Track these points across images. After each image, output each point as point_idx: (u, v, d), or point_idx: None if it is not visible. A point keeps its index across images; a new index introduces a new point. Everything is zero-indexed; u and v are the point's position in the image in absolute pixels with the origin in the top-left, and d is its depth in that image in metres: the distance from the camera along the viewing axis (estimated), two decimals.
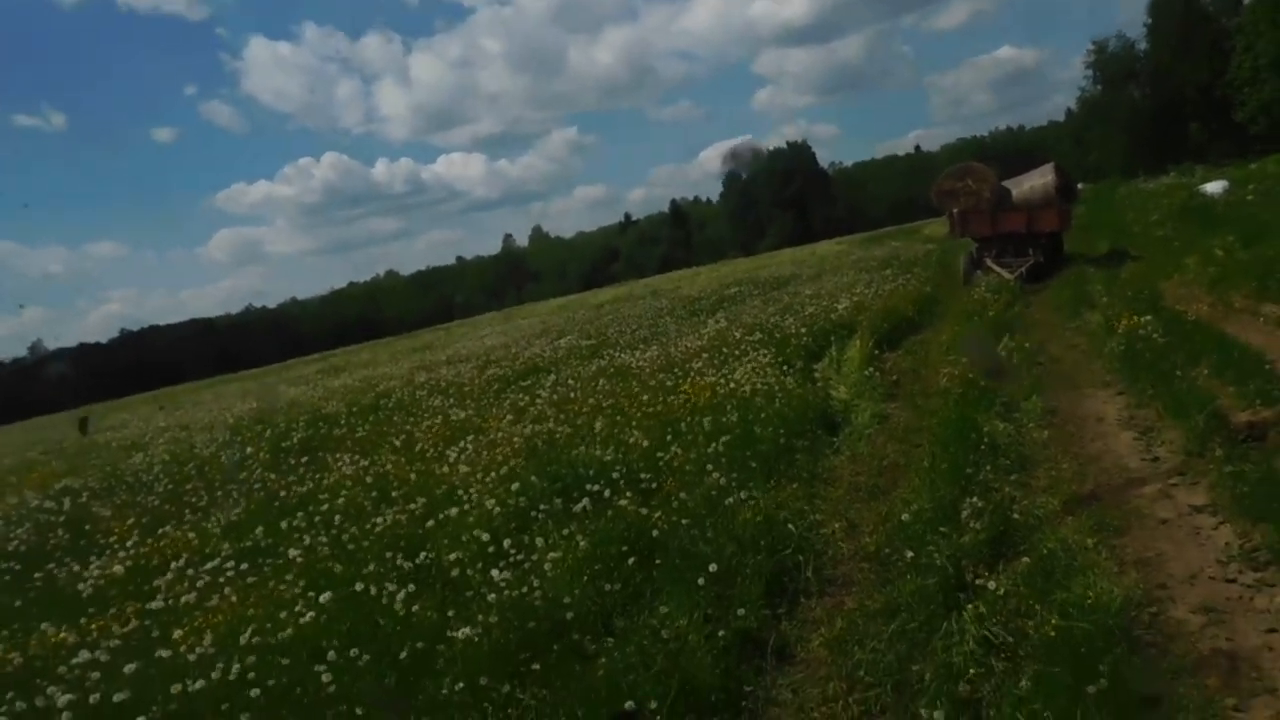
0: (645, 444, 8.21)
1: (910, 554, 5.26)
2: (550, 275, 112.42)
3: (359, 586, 5.71)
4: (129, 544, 8.37)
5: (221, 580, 6.50)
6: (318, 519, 7.78)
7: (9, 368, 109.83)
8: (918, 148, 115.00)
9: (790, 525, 5.98)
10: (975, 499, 5.85)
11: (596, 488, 6.98)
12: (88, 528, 9.70)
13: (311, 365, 43.23)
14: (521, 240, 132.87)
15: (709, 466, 6.98)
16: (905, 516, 5.79)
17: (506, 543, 5.99)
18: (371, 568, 6.16)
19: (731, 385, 10.27)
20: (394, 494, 8.37)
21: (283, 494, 9.59)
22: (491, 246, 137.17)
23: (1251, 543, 4.98)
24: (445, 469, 8.93)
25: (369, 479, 9.12)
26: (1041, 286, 17.74)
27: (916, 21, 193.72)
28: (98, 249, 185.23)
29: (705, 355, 13.30)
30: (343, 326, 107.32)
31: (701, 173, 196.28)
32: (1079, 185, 26.40)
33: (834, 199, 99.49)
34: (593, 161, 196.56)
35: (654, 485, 7.05)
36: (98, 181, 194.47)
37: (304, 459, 11.86)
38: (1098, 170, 52.86)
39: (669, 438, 8.40)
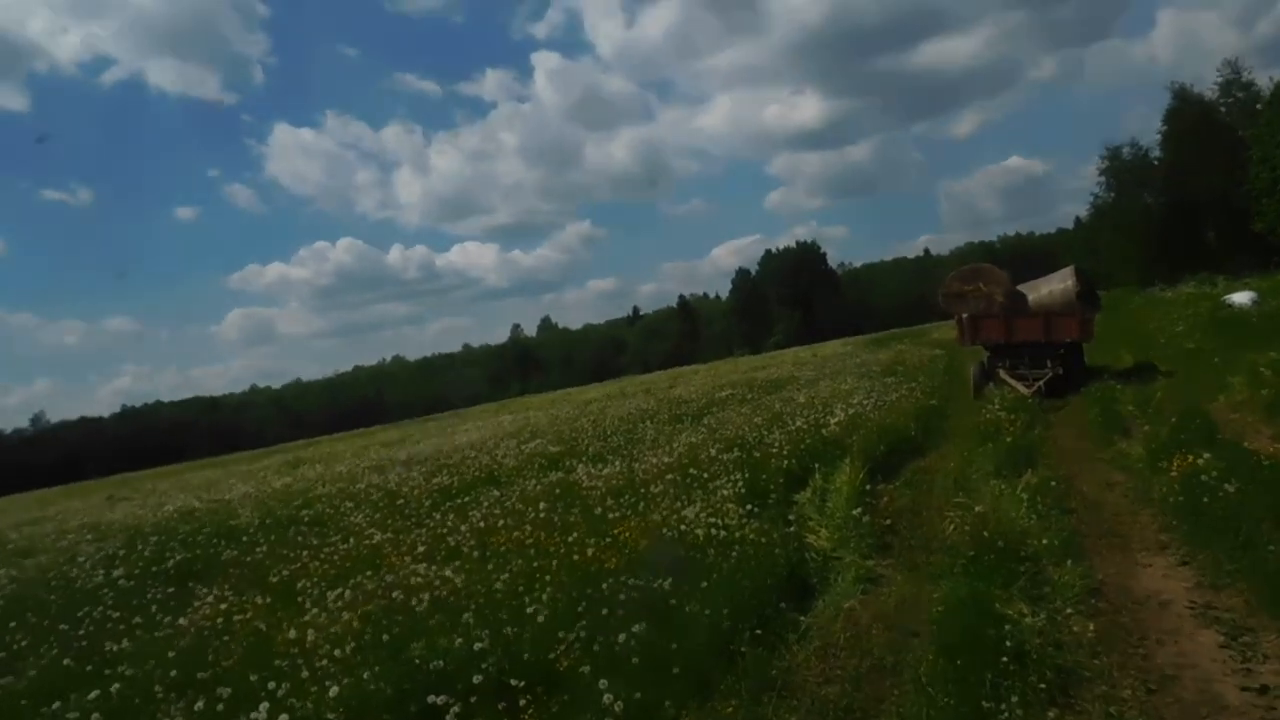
0: (542, 618, 6.04)
1: None
2: (556, 366, 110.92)
3: None
4: None
5: None
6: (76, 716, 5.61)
7: (10, 438, 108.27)
8: (927, 250, 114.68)
9: None
10: None
11: (443, 700, 4.83)
12: None
13: (275, 456, 41.03)
14: (530, 330, 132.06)
15: (602, 683, 4.79)
16: None
17: None
18: None
19: (682, 528, 8.15)
20: (200, 674, 6.19)
21: (70, 664, 7.35)
22: (501, 335, 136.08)
23: None
24: (293, 634, 6.75)
25: (172, 652, 6.92)
26: (1062, 403, 15.63)
27: (928, 130, 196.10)
28: (113, 324, 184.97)
29: (670, 476, 11.19)
30: (342, 411, 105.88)
31: (713, 269, 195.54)
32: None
33: (841, 299, 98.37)
34: (605, 255, 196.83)
35: (524, 701, 4.88)
36: (119, 258, 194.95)
37: (169, 590, 9.76)
38: (1110, 277, 51.15)
39: (581, 607, 6.27)
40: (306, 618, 7.20)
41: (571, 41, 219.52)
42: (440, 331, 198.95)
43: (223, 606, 8.45)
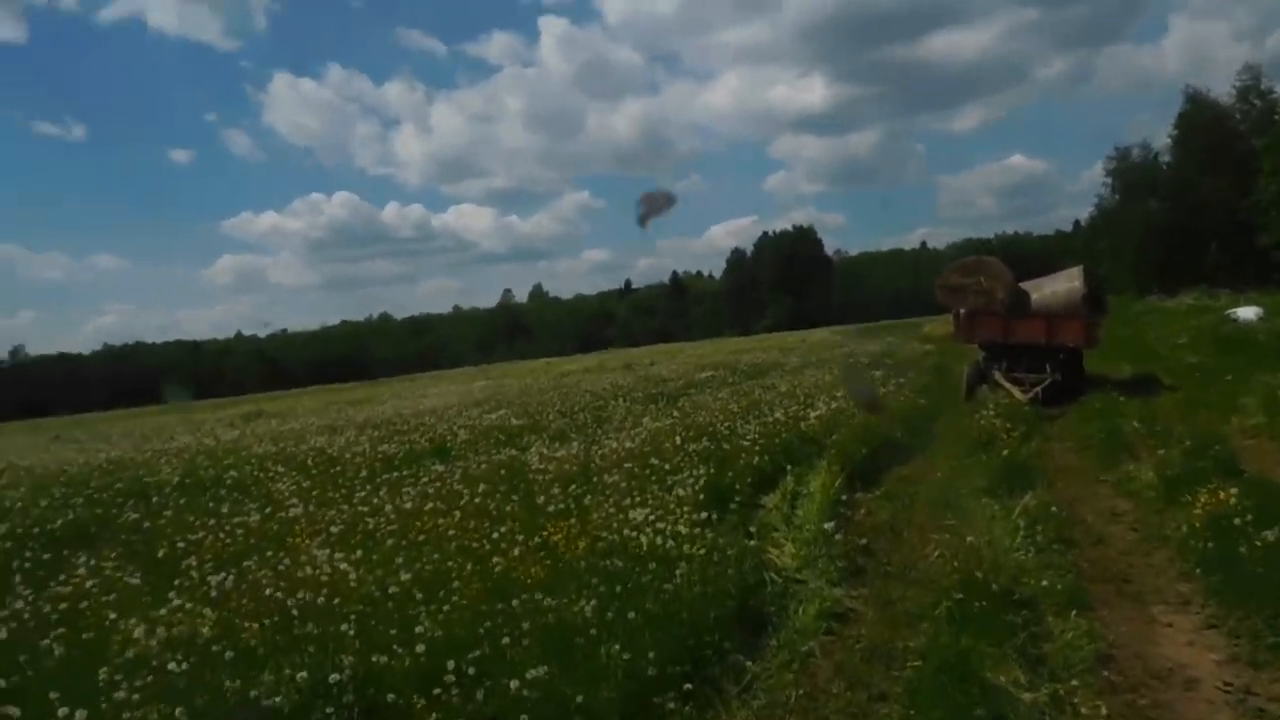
0: (424, 645, 4.87)
1: None
2: (544, 335, 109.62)
3: None
4: None
5: None
6: None
7: None
8: (923, 244, 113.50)
9: None
10: None
11: None
12: None
13: (241, 407, 39.68)
14: (521, 296, 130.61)
15: None
16: None
17: None
18: None
19: (625, 532, 7.02)
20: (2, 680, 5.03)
21: None
22: (491, 300, 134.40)
23: None
24: (139, 632, 5.59)
25: None
26: (1060, 413, 14.53)
27: (931, 122, 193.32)
28: (100, 261, 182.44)
29: (629, 465, 10.06)
30: (324, 365, 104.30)
31: (708, 248, 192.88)
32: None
33: (834, 286, 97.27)
34: (601, 226, 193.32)
35: None
36: (109, 195, 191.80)
37: (44, 556, 8.58)
38: (1108, 283, 50.11)
39: (484, 628, 5.14)
40: (163, 610, 6.06)
41: (580, 8, 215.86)
42: (431, 292, 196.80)
43: (88, 585, 7.29)
